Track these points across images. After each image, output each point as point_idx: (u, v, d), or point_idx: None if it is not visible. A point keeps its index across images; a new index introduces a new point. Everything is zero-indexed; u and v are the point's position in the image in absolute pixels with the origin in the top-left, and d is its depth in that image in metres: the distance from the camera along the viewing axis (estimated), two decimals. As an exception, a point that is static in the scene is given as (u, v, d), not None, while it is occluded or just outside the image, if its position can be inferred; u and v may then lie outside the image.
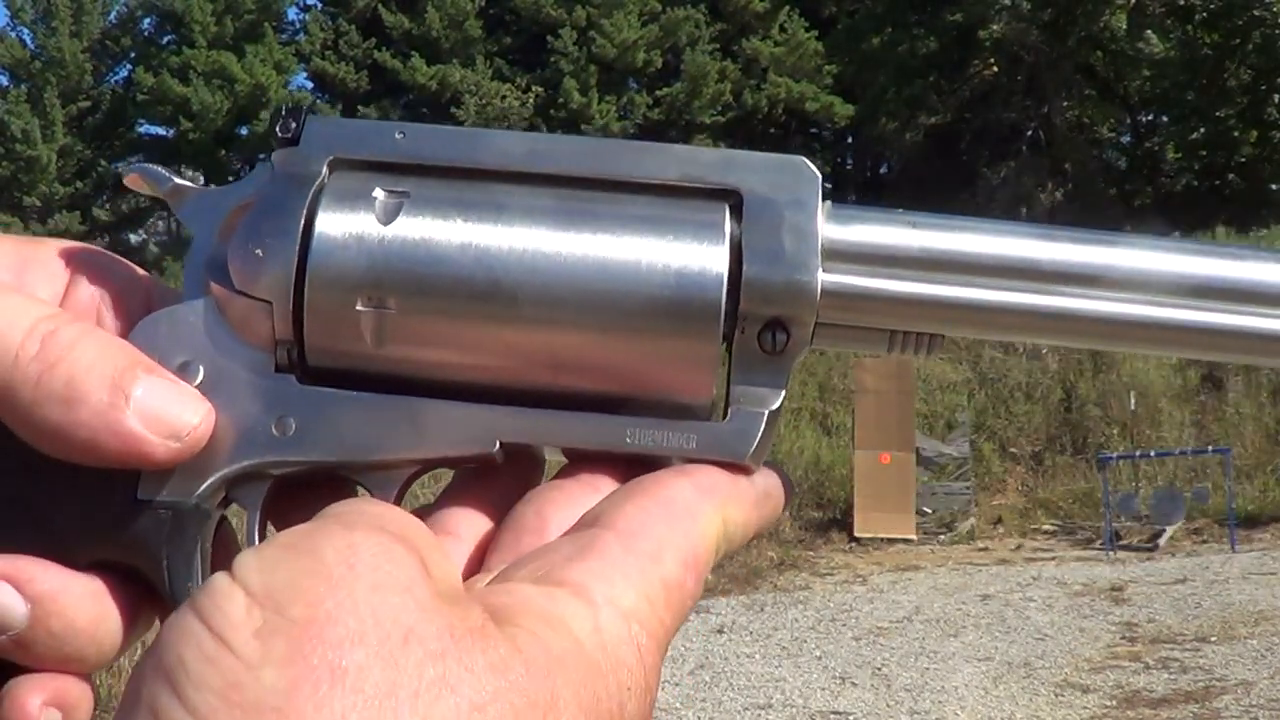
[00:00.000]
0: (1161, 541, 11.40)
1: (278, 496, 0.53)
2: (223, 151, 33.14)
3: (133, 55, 33.67)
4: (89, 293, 0.54)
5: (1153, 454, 12.17)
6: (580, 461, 0.53)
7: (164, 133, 33.85)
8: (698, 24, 31.57)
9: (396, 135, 0.54)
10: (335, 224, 0.51)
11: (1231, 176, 26.01)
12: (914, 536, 12.06)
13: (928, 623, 8.81)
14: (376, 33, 32.93)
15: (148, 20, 34.18)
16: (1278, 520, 11.79)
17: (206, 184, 0.56)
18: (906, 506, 12.08)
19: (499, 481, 0.53)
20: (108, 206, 33.12)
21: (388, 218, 0.51)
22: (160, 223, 36.78)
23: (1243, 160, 25.83)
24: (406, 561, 0.43)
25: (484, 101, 30.53)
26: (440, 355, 0.52)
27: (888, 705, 6.94)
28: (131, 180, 0.57)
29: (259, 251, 0.51)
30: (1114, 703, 6.81)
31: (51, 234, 29.21)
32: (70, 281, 0.54)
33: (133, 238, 35.35)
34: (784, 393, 0.53)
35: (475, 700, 0.40)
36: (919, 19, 28.12)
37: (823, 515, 12.57)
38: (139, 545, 0.50)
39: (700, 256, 0.52)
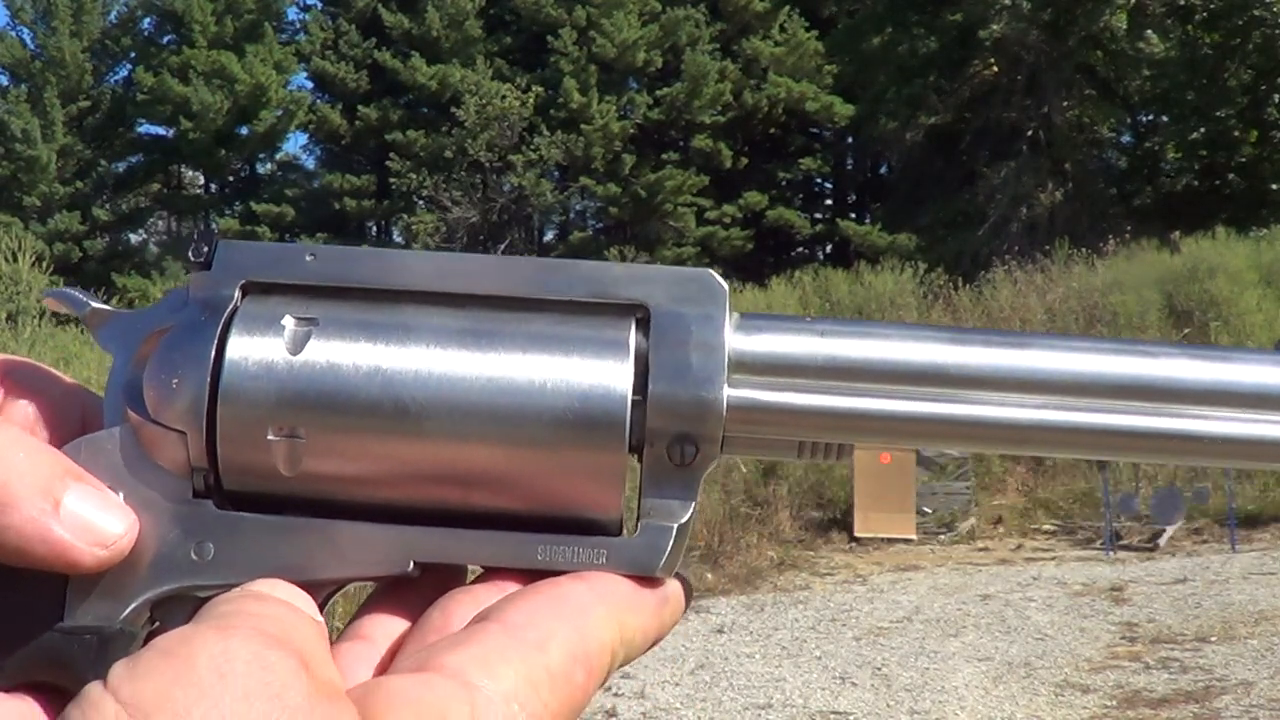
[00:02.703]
0: (1161, 541, 11.40)
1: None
2: (223, 151, 33.12)
3: (133, 55, 33.66)
4: (23, 407, 0.55)
5: (1153, 454, 12.15)
6: (496, 572, 0.53)
7: (164, 133, 33.84)
8: (698, 24, 31.56)
9: (307, 258, 0.55)
10: (246, 353, 0.52)
11: (1231, 176, 25.98)
12: (914, 536, 12.05)
13: (928, 623, 8.81)
14: (376, 32, 32.92)
15: (148, 20, 34.19)
16: (1278, 520, 11.79)
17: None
18: (907, 506, 12.07)
19: (419, 590, 0.53)
20: (108, 206, 33.10)
21: (296, 346, 0.52)
22: (160, 222, 36.77)
23: (1243, 160, 25.80)
24: (282, 665, 0.43)
25: (484, 101, 30.51)
26: (353, 478, 0.52)
27: (888, 705, 6.94)
28: (50, 303, 0.58)
29: (173, 381, 0.52)
30: (1114, 703, 6.81)
31: (51, 234, 29.20)
32: (5, 396, 0.55)
33: (133, 237, 35.33)
34: (694, 504, 0.54)
35: None
36: (919, 19, 28.11)
37: (823, 515, 12.57)
38: (66, 668, 0.51)
39: (605, 374, 0.52)
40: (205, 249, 0.55)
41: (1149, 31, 26.29)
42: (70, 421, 0.55)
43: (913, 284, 17.68)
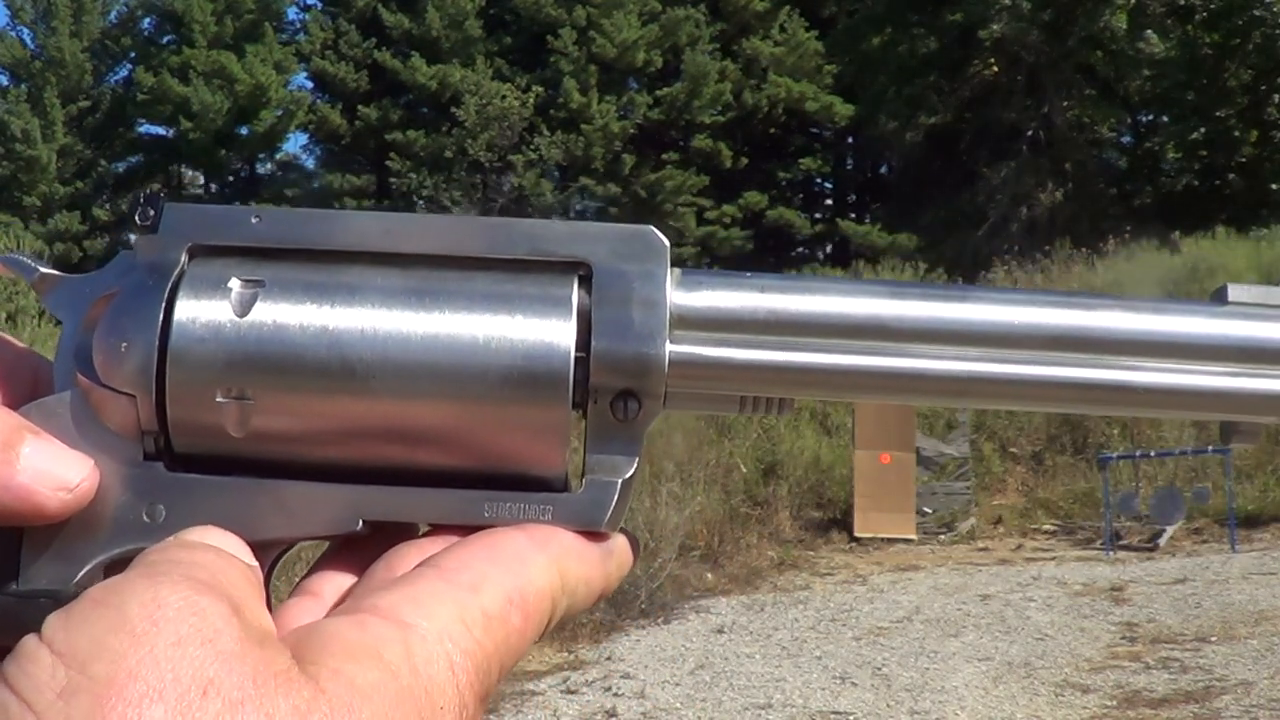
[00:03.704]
0: (1161, 541, 11.40)
1: None
2: (223, 151, 33.11)
3: (133, 55, 33.65)
4: None
5: (1153, 454, 12.15)
6: (444, 529, 0.54)
7: (164, 133, 33.84)
8: (698, 24, 31.56)
9: (253, 220, 0.55)
10: (193, 316, 0.53)
11: (1231, 176, 25.99)
12: (914, 536, 12.05)
13: (928, 623, 8.81)
14: (376, 32, 32.91)
15: (148, 20, 34.19)
16: (1278, 520, 11.78)
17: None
18: (906, 506, 12.08)
19: (369, 548, 0.54)
20: (108, 206, 33.09)
21: (244, 309, 0.53)
22: (160, 223, 36.76)
23: (1243, 160, 25.81)
24: (213, 611, 0.44)
25: (484, 101, 30.52)
26: (301, 438, 0.53)
27: (888, 705, 6.94)
28: None
29: (122, 345, 0.52)
30: (1114, 703, 6.81)
31: (51, 234, 29.17)
32: None
33: (133, 237, 35.30)
34: (637, 459, 0.55)
35: None
36: (919, 19, 28.11)
37: (823, 515, 12.57)
38: (20, 631, 0.51)
39: (548, 331, 0.53)
40: (151, 212, 0.55)
41: (1149, 31, 26.30)
42: (21, 385, 0.55)
43: (913, 284, 17.69)
